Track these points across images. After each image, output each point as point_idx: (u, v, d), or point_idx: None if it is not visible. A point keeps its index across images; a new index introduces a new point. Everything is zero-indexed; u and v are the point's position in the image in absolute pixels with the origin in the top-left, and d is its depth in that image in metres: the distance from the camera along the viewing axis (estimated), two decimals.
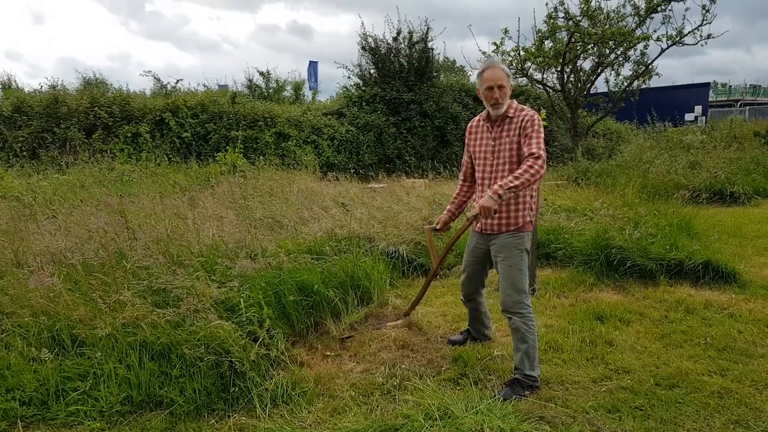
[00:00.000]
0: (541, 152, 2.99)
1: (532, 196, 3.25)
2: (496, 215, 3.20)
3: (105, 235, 4.37)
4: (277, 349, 3.44)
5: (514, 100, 3.26)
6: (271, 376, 3.27)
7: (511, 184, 2.90)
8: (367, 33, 15.09)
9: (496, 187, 2.93)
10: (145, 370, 3.10)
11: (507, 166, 3.17)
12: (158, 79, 15.14)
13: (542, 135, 3.07)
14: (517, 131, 3.13)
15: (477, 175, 3.40)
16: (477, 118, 3.42)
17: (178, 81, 15.40)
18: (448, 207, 3.68)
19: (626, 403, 3.03)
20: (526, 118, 3.10)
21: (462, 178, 3.63)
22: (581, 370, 3.46)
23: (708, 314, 4.39)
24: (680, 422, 2.85)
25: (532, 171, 2.93)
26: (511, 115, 3.17)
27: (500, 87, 3.12)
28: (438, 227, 3.68)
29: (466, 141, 3.47)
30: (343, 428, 2.74)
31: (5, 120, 11.62)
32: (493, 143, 3.24)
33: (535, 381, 3.19)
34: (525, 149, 3.04)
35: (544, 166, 2.98)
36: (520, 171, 2.95)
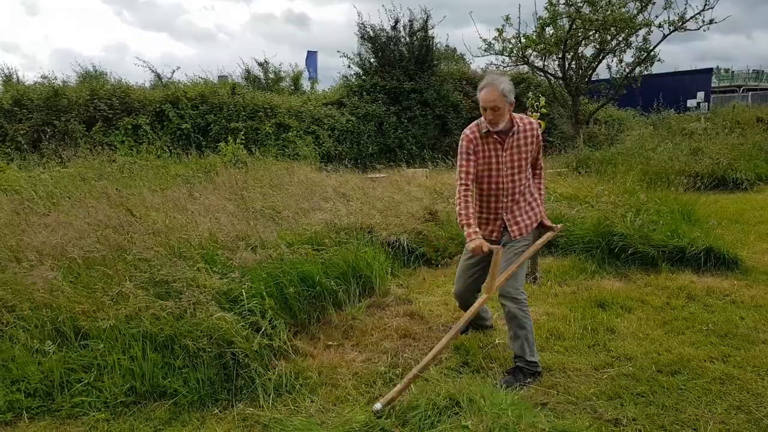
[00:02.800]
0: (541, 164, 3.51)
1: (540, 193, 3.51)
2: (519, 219, 3.38)
3: (105, 228, 4.38)
4: (280, 340, 3.45)
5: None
6: (274, 367, 3.29)
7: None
8: (366, 22, 15.01)
9: (541, 213, 3.49)
10: (149, 361, 3.12)
11: (524, 174, 3.33)
12: (153, 70, 15.06)
13: (540, 143, 3.43)
14: (529, 140, 3.29)
15: (489, 186, 3.28)
16: (474, 130, 3.24)
17: (174, 71, 15.32)
18: (475, 229, 3.14)
19: (628, 390, 3.04)
20: (536, 129, 3.33)
21: (470, 192, 3.23)
22: (583, 357, 3.47)
23: (710, 301, 4.39)
24: (682, 408, 2.86)
25: (544, 181, 3.59)
26: (519, 124, 3.26)
27: (494, 109, 3.11)
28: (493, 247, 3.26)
29: (470, 153, 3.22)
30: (352, 421, 2.76)
31: (5, 113, 11.59)
32: (506, 153, 3.23)
33: (536, 367, 3.21)
34: (537, 160, 3.46)
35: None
36: (541, 188, 3.52)
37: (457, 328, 3.07)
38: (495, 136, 3.22)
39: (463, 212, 3.17)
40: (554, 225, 3.52)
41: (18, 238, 4.35)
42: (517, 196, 3.32)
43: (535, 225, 3.41)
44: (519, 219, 3.34)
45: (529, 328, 3.21)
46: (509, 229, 3.34)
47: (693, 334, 3.77)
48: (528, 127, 3.29)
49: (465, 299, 3.58)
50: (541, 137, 3.39)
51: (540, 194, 3.49)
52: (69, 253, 3.91)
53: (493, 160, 3.25)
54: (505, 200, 3.31)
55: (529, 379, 3.13)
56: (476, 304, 3.20)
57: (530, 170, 3.41)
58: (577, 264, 5.38)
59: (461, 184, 3.22)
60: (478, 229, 3.18)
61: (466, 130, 3.28)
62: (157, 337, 3.22)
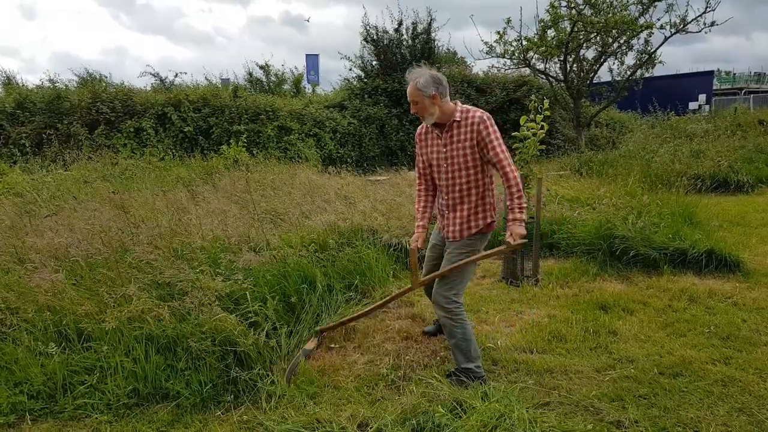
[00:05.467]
0: (506, 155, 3.04)
1: (492, 196, 3.21)
2: (460, 221, 3.21)
3: (108, 231, 4.39)
4: (282, 341, 3.45)
5: (458, 102, 3.18)
6: (276, 368, 3.29)
7: (523, 205, 3.03)
8: (370, 24, 15.08)
9: (517, 215, 3.03)
10: (151, 363, 3.13)
11: (464, 172, 3.13)
12: (156, 75, 15.13)
13: (499, 134, 3.06)
14: (469, 134, 3.06)
15: (438, 182, 3.32)
16: (422, 126, 3.30)
17: (177, 75, 15.37)
18: (421, 224, 3.45)
19: (630, 392, 3.04)
20: (477, 121, 3.03)
21: (423, 188, 3.45)
22: (585, 359, 3.48)
23: (712, 303, 4.39)
24: (684, 410, 2.86)
25: (516, 180, 3.04)
26: (458, 119, 3.09)
27: (413, 102, 3.14)
28: (420, 246, 3.42)
29: (417, 150, 3.38)
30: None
31: (8, 116, 11.64)
32: (445, 150, 3.16)
33: (473, 372, 3.12)
34: (492, 158, 3.05)
35: (514, 166, 3.06)
36: (513, 190, 3.04)
37: (376, 305, 3.80)
38: (435, 132, 3.21)
39: (416, 207, 3.50)
40: (508, 241, 3.05)
41: (21, 240, 4.37)
42: (456, 195, 3.18)
43: (474, 231, 3.16)
44: (457, 221, 3.20)
45: (459, 336, 3.13)
46: (444, 230, 3.31)
47: (695, 337, 3.77)
48: (470, 120, 3.05)
49: (427, 287, 3.61)
50: (489, 130, 3.01)
51: (491, 197, 3.15)
52: (72, 255, 3.93)
53: (434, 156, 3.24)
54: (446, 198, 3.26)
55: (471, 383, 3.04)
56: (397, 292, 3.74)
57: (483, 169, 3.13)
58: (578, 266, 5.38)
59: (417, 180, 3.49)
60: (422, 223, 3.43)
61: (419, 127, 3.36)
62: (159, 339, 3.23)
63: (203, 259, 3.99)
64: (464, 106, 3.15)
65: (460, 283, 3.19)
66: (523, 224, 3.03)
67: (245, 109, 13.17)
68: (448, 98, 3.15)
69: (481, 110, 3.11)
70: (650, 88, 17.01)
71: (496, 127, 3.08)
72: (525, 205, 3.04)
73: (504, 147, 3.06)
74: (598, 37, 13.14)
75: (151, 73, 15.10)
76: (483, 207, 3.18)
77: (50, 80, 13.39)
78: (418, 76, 3.11)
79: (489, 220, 3.19)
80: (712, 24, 12.16)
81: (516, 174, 3.04)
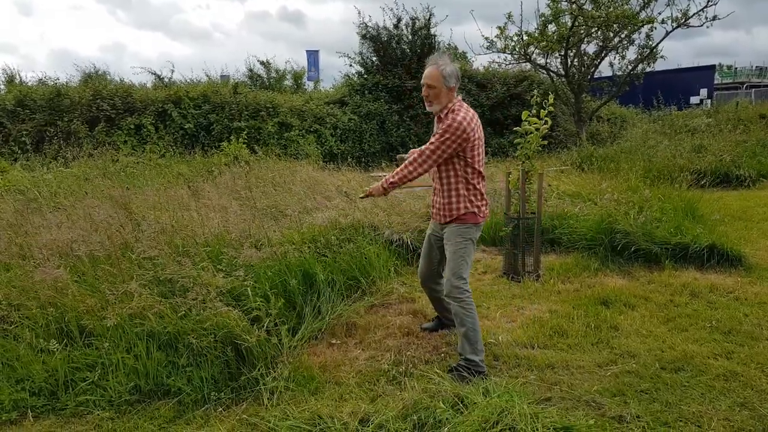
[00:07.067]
0: (429, 148, 3.13)
1: (468, 189, 3.25)
2: (439, 205, 3.37)
3: (110, 227, 4.39)
4: (284, 338, 3.45)
5: (458, 101, 3.23)
6: (277, 364, 3.29)
7: (391, 180, 3.25)
8: (366, 22, 15.02)
9: (383, 180, 3.29)
10: (153, 360, 3.13)
11: (443, 164, 3.26)
12: (152, 72, 15.14)
13: (449, 138, 3.09)
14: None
15: None
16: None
17: (173, 70, 15.35)
18: None
19: (631, 387, 3.04)
20: (447, 124, 3.11)
21: None
22: (586, 354, 3.47)
23: (713, 298, 4.39)
24: (686, 405, 2.86)
25: (410, 168, 3.18)
26: (443, 116, 3.20)
27: (430, 86, 3.19)
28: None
29: None
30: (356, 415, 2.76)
31: (9, 114, 11.63)
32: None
33: (477, 366, 3.16)
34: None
35: (428, 161, 3.15)
36: (401, 167, 3.22)
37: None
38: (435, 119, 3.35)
39: None
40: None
41: (23, 238, 4.37)
42: (436, 181, 3.37)
43: (448, 219, 3.28)
44: (436, 206, 3.40)
45: (470, 326, 3.19)
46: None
47: (696, 331, 3.77)
48: (446, 120, 3.14)
49: (422, 275, 3.74)
50: (445, 129, 3.10)
51: (464, 191, 3.24)
52: (75, 251, 3.93)
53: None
54: (432, 182, 3.45)
55: (472, 378, 3.06)
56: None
57: (454, 164, 3.21)
58: (580, 261, 5.38)
59: None
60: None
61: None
62: (161, 335, 3.23)
63: (205, 255, 3.99)
64: (461, 105, 3.22)
65: (464, 268, 3.24)
66: (380, 189, 3.28)
67: (245, 106, 13.15)
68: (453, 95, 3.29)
69: (463, 116, 3.12)
70: (652, 83, 16.98)
71: (454, 135, 3.08)
72: (393, 180, 3.22)
73: (441, 147, 3.11)
74: (599, 32, 13.12)
75: (149, 71, 15.11)
76: (456, 197, 3.27)
77: (41, 80, 13.41)
78: (444, 64, 3.19)
79: (462, 212, 3.26)
80: (714, 18, 12.13)
81: (417, 164, 3.15)
